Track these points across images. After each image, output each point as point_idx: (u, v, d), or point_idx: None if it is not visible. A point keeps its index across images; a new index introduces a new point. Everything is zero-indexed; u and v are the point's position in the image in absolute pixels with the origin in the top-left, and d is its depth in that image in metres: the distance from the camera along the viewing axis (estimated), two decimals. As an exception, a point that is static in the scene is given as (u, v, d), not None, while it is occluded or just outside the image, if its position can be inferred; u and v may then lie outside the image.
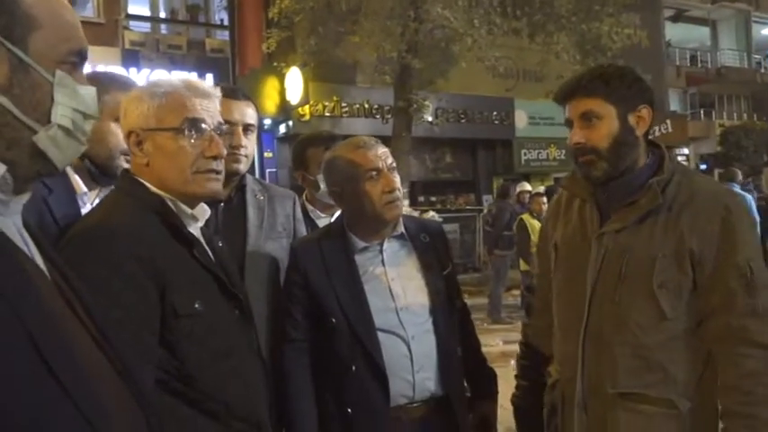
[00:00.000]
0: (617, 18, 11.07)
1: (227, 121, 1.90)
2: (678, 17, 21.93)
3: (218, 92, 1.51)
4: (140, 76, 10.80)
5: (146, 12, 12.84)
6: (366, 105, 13.03)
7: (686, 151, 21.35)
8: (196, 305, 1.30)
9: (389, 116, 11.17)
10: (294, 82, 12.08)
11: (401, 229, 1.96)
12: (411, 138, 10.77)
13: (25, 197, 0.84)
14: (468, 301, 2.25)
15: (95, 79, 1.41)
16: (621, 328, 1.58)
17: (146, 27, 12.62)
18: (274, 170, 12.46)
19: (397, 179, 1.90)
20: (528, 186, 9.93)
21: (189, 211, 1.41)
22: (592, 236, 1.67)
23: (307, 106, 12.29)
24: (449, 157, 15.51)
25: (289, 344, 1.89)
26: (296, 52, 10.98)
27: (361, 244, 1.91)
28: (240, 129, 1.94)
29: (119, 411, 0.79)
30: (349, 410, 1.83)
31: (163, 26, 13.21)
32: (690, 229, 1.55)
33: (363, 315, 1.83)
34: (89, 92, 0.87)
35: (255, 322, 1.86)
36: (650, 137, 1.72)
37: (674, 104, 21.73)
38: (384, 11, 9.62)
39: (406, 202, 10.47)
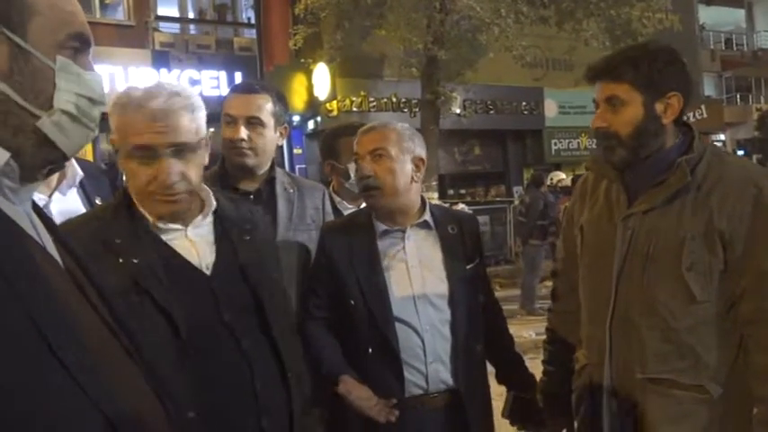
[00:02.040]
0: (647, 2, 10.83)
1: (229, 116, 1.96)
2: (712, 0, 21.37)
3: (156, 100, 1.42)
4: (171, 77, 10.96)
5: (174, 13, 12.99)
6: (393, 99, 12.99)
7: (722, 137, 20.84)
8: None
9: (417, 109, 11.13)
10: (321, 78, 12.12)
11: (426, 216, 1.95)
12: (439, 130, 10.72)
13: (36, 185, 0.84)
14: (501, 292, 2.23)
15: None
16: (650, 312, 1.56)
17: (175, 28, 12.77)
18: (303, 166, 12.53)
19: (380, 166, 1.88)
20: (562, 175, 9.81)
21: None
22: (618, 217, 1.64)
23: (334, 102, 12.33)
24: (478, 149, 15.39)
25: (312, 321, 1.92)
26: (322, 48, 11.01)
27: (381, 227, 1.91)
28: (240, 122, 1.95)
29: (129, 395, 0.79)
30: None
31: (191, 26, 13.35)
32: (719, 209, 1.51)
33: (381, 299, 1.84)
34: (95, 77, 0.87)
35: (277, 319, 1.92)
36: (685, 120, 1.67)
37: (709, 89, 21.21)
38: (409, 3, 9.59)
39: (435, 195, 10.47)
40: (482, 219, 12.37)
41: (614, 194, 1.68)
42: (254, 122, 1.96)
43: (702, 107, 17.94)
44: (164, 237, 1.42)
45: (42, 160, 0.83)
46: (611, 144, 1.61)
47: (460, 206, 12.78)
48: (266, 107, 1.99)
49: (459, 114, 11.68)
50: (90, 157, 10.22)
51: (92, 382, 0.71)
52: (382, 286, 1.85)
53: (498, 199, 14.44)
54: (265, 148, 2.00)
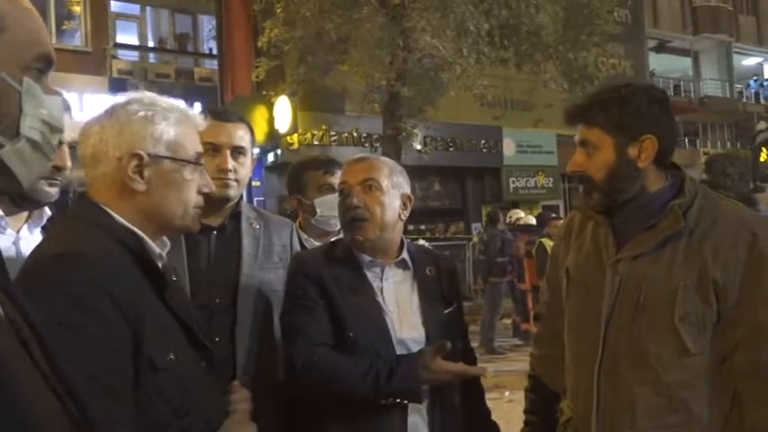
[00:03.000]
0: (603, 48, 11.22)
1: (213, 144, 1.83)
2: (661, 48, 22.29)
3: (203, 122, 1.38)
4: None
5: (134, 41, 12.83)
6: (355, 134, 13.04)
7: (672, 179, 21.51)
8: (170, 357, 1.13)
9: (378, 144, 11.16)
10: (283, 111, 12.07)
11: (404, 255, 1.86)
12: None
13: None
14: None
15: None
16: (640, 364, 1.47)
17: (134, 56, 12.60)
18: (262, 199, 12.36)
19: (371, 198, 1.77)
20: (520, 213, 9.90)
21: (157, 250, 1.25)
22: (607, 262, 1.56)
23: (295, 135, 12.29)
24: (438, 186, 15.50)
25: (319, 347, 1.70)
26: (285, 81, 10.98)
27: (366, 258, 1.80)
28: (227, 152, 1.84)
29: None
30: None
31: (152, 55, 13.19)
32: (713, 257, 1.44)
33: (383, 330, 1.71)
34: (55, 102, 0.79)
35: (242, 358, 1.77)
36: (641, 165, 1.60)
37: (659, 133, 21.94)
38: (373, 40, 9.67)
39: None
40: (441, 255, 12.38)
41: (602, 237, 1.61)
42: (238, 152, 1.87)
43: (653, 150, 18.52)
44: None
45: None
46: (587, 188, 1.58)
47: (420, 242, 12.78)
48: (246, 137, 1.91)
49: (419, 151, 11.76)
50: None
51: None
52: (379, 317, 1.73)
53: (458, 236, 14.49)
54: (246, 178, 1.91)
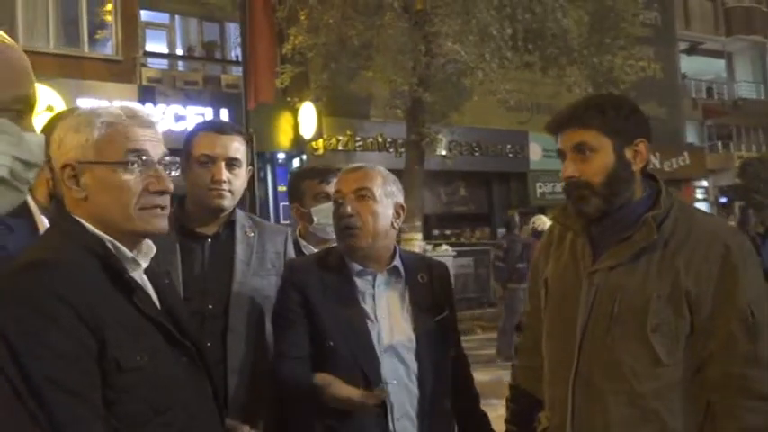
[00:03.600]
0: (629, 51, 11.08)
1: (208, 156, 1.89)
2: (693, 50, 21.88)
3: (153, 119, 1.37)
4: (157, 111, 10.95)
5: (163, 49, 13.08)
6: (380, 139, 13.08)
7: (705, 183, 21.10)
8: (139, 358, 1.19)
9: (403, 150, 11.19)
10: (308, 116, 12.18)
11: (396, 262, 1.89)
12: (424, 171, 10.76)
13: None
14: (482, 335, 2.12)
15: None
16: (614, 374, 1.48)
17: (163, 64, 12.84)
18: (287, 204, 12.46)
19: (363, 207, 1.81)
20: (545, 219, 9.81)
21: (129, 254, 1.29)
22: (583, 273, 1.57)
23: (320, 140, 12.38)
24: (463, 191, 15.46)
25: (289, 360, 1.77)
26: (309, 87, 11.10)
27: (356, 267, 1.83)
28: (222, 163, 1.89)
29: None
30: None
31: (180, 63, 13.44)
32: (686, 269, 1.45)
33: (365, 338, 1.75)
34: (36, 139, 0.83)
35: (234, 362, 1.82)
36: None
37: (692, 136, 21.54)
38: (396, 45, 9.72)
39: (419, 236, 10.45)
40: (466, 261, 12.36)
41: (579, 248, 1.62)
42: (233, 164, 1.92)
43: (685, 154, 18.21)
44: None
45: None
46: (584, 194, 1.55)
47: (444, 247, 12.76)
48: (241, 148, 1.96)
49: (444, 156, 11.76)
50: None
51: None
52: (362, 326, 1.77)
53: (483, 241, 14.42)
54: (240, 189, 1.96)
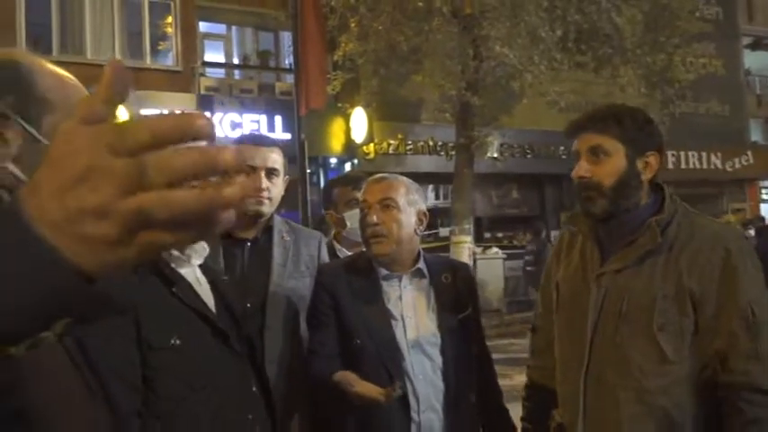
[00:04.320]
0: (685, 49, 10.80)
1: (249, 166, 2.04)
2: (757, 45, 21.01)
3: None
4: (214, 120, 11.34)
5: (220, 59, 13.54)
6: (430, 143, 13.15)
7: (770, 184, 20.25)
8: (172, 340, 1.37)
9: (453, 153, 11.25)
10: (359, 121, 12.38)
11: (420, 265, 2.01)
12: (475, 174, 10.78)
13: None
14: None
15: None
16: (624, 372, 1.56)
17: (220, 73, 13.28)
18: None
19: (388, 216, 1.93)
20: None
21: (176, 252, 1.50)
22: (592, 276, 1.65)
23: (371, 144, 12.55)
24: (515, 193, 15.36)
25: (319, 358, 1.92)
26: (360, 93, 11.29)
27: (383, 271, 1.96)
28: (262, 173, 2.06)
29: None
30: None
31: (236, 72, 13.87)
32: (689, 270, 1.53)
33: (390, 337, 1.87)
34: None
35: (271, 357, 1.98)
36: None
37: (756, 135, 20.67)
38: (444, 50, 9.79)
39: (469, 239, 10.47)
40: (516, 263, 12.26)
41: (588, 252, 1.70)
42: (272, 173, 2.09)
43: (749, 153, 17.53)
44: None
45: None
46: (592, 195, 1.64)
47: (494, 250, 12.73)
48: (279, 159, 2.12)
49: (495, 158, 11.74)
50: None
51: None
52: (387, 325, 1.89)
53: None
54: (278, 197, 2.13)
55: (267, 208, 2.08)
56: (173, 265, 1.49)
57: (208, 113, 11.19)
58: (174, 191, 0.43)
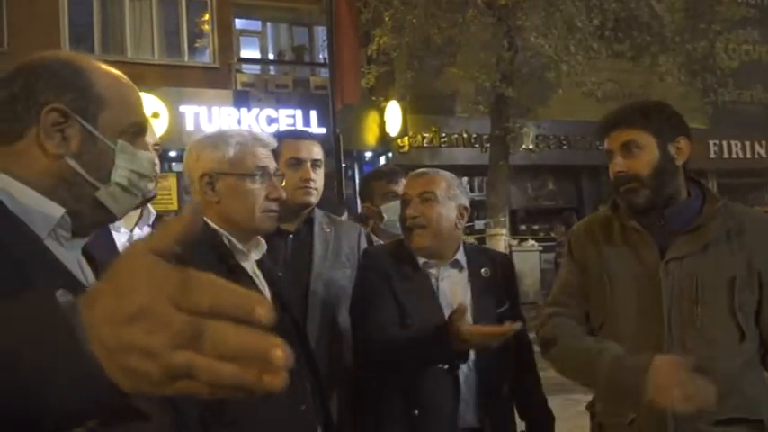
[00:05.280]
0: (727, 35, 10.53)
1: (296, 159, 2.14)
2: (805, 29, 20.34)
3: (273, 141, 1.71)
4: (250, 116, 11.53)
5: (256, 55, 13.70)
6: (465, 135, 13.10)
7: (818, 173, 19.60)
8: None
9: (488, 145, 11.20)
10: (393, 115, 12.40)
11: (458, 256, 2.03)
12: (511, 166, 10.73)
13: (86, 239, 1.01)
14: None
15: None
16: (707, 354, 1.61)
17: (256, 69, 13.44)
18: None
19: (428, 209, 1.96)
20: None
21: (239, 246, 1.59)
22: (654, 264, 1.69)
23: (406, 138, 12.57)
24: (551, 185, 15.19)
25: (392, 328, 1.92)
26: (394, 86, 11.31)
27: (422, 260, 2.00)
28: (309, 164, 2.13)
29: None
30: (416, 412, 1.86)
31: (272, 67, 14.02)
32: (753, 252, 1.64)
33: (437, 317, 1.88)
34: (147, 156, 1.05)
35: (311, 343, 2.03)
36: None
37: (803, 123, 20.04)
38: (479, 42, 9.75)
39: (504, 231, 10.42)
40: (552, 256, 12.15)
41: (638, 241, 1.74)
42: (316, 164, 2.17)
43: (797, 142, 17.00)
44: None
45: (96, 221, 1.02)
46: (634, 186, 1.71)
47: (530, 242, 12.64)
48: (320, 152, 2.20)
49: (530, 150, 11.66)
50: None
51: None
52: (434, 306, 1.93)
53: (572, 236, 14.12)
54: (321, 187, 2.20)
55: (314, 197, 2.16)
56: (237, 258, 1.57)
57: (244, 110, 11.34)
58: (223, 365, 0.46)
